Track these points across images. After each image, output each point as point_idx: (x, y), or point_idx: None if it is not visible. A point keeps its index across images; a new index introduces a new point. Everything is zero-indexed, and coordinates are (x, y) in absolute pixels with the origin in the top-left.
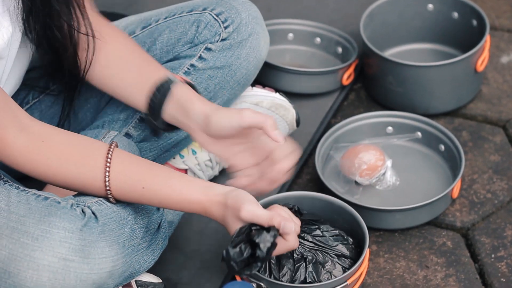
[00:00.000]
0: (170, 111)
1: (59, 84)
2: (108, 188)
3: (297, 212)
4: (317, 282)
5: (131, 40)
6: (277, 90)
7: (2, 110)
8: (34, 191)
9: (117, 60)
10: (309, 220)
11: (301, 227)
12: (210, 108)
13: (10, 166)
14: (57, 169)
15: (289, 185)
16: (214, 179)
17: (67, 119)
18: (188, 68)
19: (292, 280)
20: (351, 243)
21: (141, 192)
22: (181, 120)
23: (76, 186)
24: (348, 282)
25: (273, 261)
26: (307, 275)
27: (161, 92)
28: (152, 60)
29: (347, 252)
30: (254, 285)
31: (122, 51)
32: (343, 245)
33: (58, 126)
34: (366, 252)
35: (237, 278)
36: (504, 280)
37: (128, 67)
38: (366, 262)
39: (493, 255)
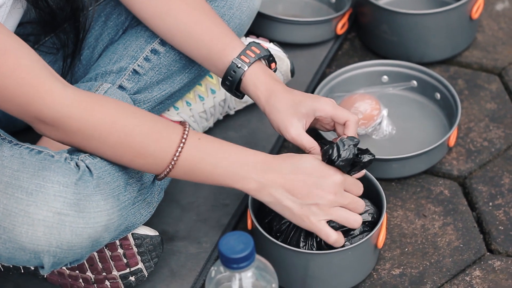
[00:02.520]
0: (243, 90)
1: (60, 40)
2: (178, 153)
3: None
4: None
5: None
6: (271, 40)
7: (43, 65)
8: (27, 144)
9: (182, 32)
10: None
11: None
12: (267, 102)
13: (59, 124)
14: (118, 119)
15: None
16: (208, 131)
17: (67, 76)
18: None
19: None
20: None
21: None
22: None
23: (137, 142)
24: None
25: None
26: None
27: (230, 82)
28: (219, 31)
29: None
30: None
31: (188, 22)
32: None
33: None
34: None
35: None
36: (502, 228)
37: (195, 42)
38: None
39: (490, 203)
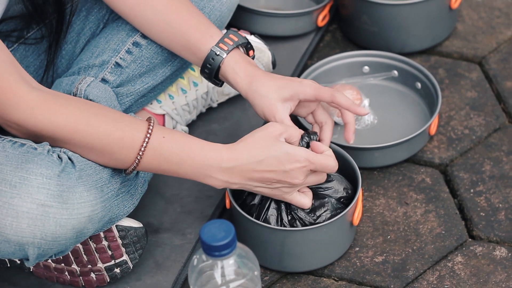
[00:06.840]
0: (222, 78)
1: (45, 31)
2: (141, 153)
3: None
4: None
5: None
6: (252, 33)
7: (10, 65)
8: (10, 137)
9: (160, 22)
10: None
11: None
12: (249, 87)
13: (23, 124)
14: (81, 119)
15: None
16: (192, 124)
17: (51, 67)
18: None
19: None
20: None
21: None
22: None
23: (100, 142)
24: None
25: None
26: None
27: (209, 69)
28: (195, 23)
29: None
30: None
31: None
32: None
33: (44, 73)
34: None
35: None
36: (483, 214)
37: (173, 31)
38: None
39: (472, 190)
